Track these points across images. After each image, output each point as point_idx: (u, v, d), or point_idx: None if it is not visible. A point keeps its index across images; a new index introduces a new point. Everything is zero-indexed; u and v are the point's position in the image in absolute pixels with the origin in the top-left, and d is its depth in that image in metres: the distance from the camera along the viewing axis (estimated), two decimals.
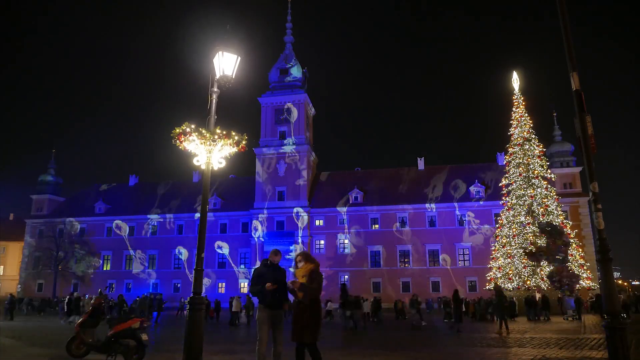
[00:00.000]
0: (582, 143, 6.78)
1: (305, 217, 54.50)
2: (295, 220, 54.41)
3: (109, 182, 67.74)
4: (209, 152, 8.10)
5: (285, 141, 57.08)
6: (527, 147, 36.76)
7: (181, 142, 8.05)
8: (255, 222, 55.34)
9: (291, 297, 7.08)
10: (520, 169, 36.43)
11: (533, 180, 35.83)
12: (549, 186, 36.22)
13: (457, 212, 52.39)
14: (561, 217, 35.59)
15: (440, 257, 51.45)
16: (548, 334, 16.39)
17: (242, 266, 55.45)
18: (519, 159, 36.81)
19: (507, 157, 38.56)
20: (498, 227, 38.02)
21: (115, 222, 60.28)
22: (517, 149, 37.19)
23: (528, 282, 33.19)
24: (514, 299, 29.15)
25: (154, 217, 59.09)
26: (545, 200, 35.16)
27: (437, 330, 20.45)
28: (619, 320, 6.09)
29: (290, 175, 55.96)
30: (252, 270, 7.50)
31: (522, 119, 37.70)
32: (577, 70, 6.99)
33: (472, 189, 52.84)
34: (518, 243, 34.78)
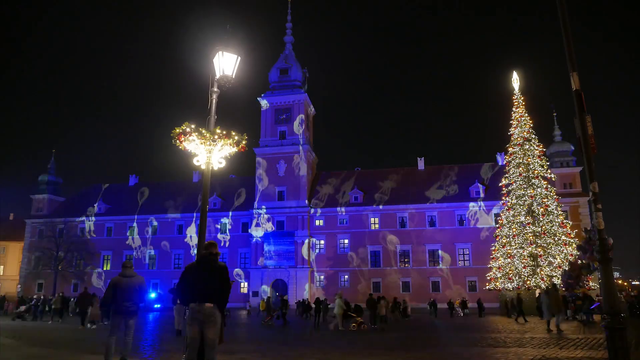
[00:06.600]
0: (582, 143, 6.78)
1: (305, 217, 54.50)
2: (295, 220, 54.39)
3: (109, 182, 67.80)
4: (209, 152, 8.08)
5: (285, 141, 57.09)
6: (527, 147, 36.73)
7: (181, 142, 8.04)
8: (255, 222, 55.35)
9: None
10: (520, 169, 36.41)
11: (533, 180, 35.80)
12: (549, 186, 36.18)
13: (457, 212, 52.39)
14: (561, 217, 35.56)
15: (440, 257, 51.45)
16: (548, 334, 16.40)
17: (243, 266, 55.54)
18: (519, 159, 36.78)
19: (507, 157, 38.56)
20: (498, 227, 38.00)
21: (115, 222, 60.41)
22: (517, 149, 37.17)
23: (528, 282, 33.18)
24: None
25: (154, 217, 59.10)
26: (545, 200, 35.14)
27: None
28: (619, 320, 6.09)
29: (290, 175, 55.97)
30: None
31: (522, 119, 37.68)
32: (577, 70, 6.99)
33: (472, 189, 52.83)
34: (518, 243, 34.76)
